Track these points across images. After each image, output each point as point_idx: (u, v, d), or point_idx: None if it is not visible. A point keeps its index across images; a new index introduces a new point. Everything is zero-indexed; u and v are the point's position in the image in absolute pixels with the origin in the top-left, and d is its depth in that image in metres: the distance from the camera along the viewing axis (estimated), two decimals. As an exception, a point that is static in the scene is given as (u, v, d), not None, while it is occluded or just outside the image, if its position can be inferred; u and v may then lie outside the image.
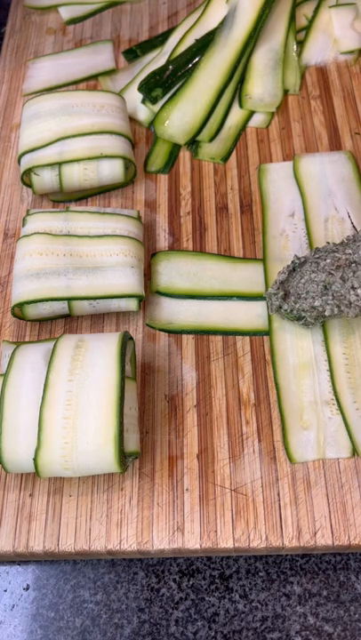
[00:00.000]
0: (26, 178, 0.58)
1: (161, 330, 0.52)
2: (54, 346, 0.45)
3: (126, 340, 0.45)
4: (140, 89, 0.63)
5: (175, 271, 0.54)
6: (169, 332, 0.52)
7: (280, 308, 0.49)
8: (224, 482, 0.45)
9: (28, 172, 0.57)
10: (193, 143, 0.62)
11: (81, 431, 0.41)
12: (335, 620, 0.44)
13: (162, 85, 0.63)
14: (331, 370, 0.48)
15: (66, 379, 0.42)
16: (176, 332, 0.51)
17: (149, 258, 0.56)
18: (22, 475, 0.46)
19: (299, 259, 0.50)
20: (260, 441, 0.46)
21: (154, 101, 0.63)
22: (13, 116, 0.67)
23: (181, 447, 0.47)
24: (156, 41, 0.69)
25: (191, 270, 0.54)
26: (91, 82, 0.68)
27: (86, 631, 0.44)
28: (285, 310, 0.48)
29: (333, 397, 0.47)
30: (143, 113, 0.64)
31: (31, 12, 0.75)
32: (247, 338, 0.51)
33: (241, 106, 0.64)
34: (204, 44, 0.65)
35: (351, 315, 0.47)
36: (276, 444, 0.46)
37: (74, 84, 0.68)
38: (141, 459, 0.46)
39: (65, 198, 0.60)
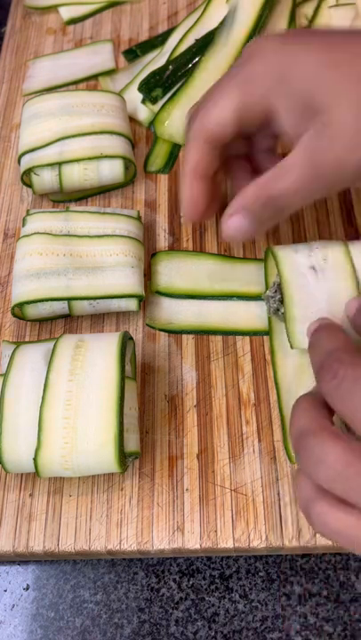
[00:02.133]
0: (26, 178, 0.58)
1: (161, 330, 0.52)
2: (54, 346, 0.45)
3: (126, 340, 0.45)
4: (140, 89, 0.63)
5: (175, 271, 0.54)
6: (169, 331, 0.52)
7: (278, 310, 0.49)
8: (224, 482, 0.45)
9: (28, 171, 0.57)
10: (193, 143, 0.62)
11: (81, 431, 0.41)
12: (335, 619, 0.44)
13: (162, 85, 0.63)
14: (331, 370, 0.48)
15: (66, 379, 0.42)
16: (176, 332, 0.51)
17: (149, 258, 0.56)
18: (22, 475, 0.46)
19: None
20: (260, 441, 0.46)
21: (154, 101, 0.63)
22: (13, 115, 0.67)
23: (181, 447, 0.47)
24: (156, 41, 0.69)
25: (191, 270, 0.54)
26: (91, 82, 0.68)
27: (86, 631, 0.44)
28: (283, 313, 0.48)
29: (333, 397, 0.47)
30: (143, 113, 0.64)
31: (31, 12, 0.75)
32: (247, 338, 0.51)
33: (241, 106, 0.63)
34: (204, 44, 0.65)
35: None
36: (276, 444, 0.46)
37: (74, 84, 0.68)
38: (141, 459, 0.46)
39: (65, 198, 0.60)
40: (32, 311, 0.51)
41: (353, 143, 0.38)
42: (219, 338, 0.51)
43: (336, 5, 0.69)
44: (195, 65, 0.64)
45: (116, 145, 0.57)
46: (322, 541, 0.43)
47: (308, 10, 0.69)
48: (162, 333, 0.52)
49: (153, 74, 0.64)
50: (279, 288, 0.49)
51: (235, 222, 0.44)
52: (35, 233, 0.52)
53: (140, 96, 0.64)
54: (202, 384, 0.49)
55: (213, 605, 0.45)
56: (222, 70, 0.63)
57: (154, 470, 0.46)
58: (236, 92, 0.42)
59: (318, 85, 0.38)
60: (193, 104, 0.47)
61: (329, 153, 0.39)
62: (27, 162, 0.57)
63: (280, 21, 0.67)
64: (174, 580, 0.46)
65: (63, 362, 0.43)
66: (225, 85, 0.44)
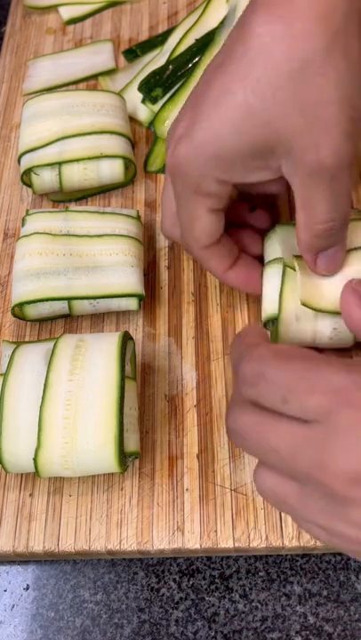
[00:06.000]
0: (26, 178, 0.58)
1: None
2: (54, 346, 0.45)
3: (126, 340, 0.45)
4: (140, 89, 0.63)
5: None
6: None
7: None
8: (224, 482, 0.45)
9: (28, 171, 0.57)
10: (193, 143, 0.62)
11: (81, 431, 0.41)
12: (335, 619, 0.44)
13: (162, 85, 0.63)
14: (331, 370, 0.48)
15: (66, 379, 0.42)
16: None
17: (149, 257, 0.56)
18: (22, 475, 0.46)
19: None
20: (260, 441, 0.46)
21: (154, 101, 0.63)
22: (13, 116, 0.67)
23: (181, 447, 0.47)
24: (156, 41, 0.69)
25: None
26: (91, 82, 0.68)
27: (86, 631, 0.44)
28: None
29: (333, 397, 0.47)
30: (143, 113, 0.64)
31: (31, 12, 0.75)
32: (247, 338, 0.51)
33: (241, 106, 0.63)
34: (204, 44, 0.65)
35: None
36: (276, 444, 0.46)
37: (74, 84, 0.68)
38: (141, 459, 0.46)
39: (65, 198, 0.60)
40: (32, 311, 0.51)
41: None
42: (219, 338, 0.51)
43: (336, 5, 0.69)
44: (195, 65, 0.64)
45: (116, 145, 0.57)
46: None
47: (308, 10, 0.69)
48: (162, 333, 0.52)
49: (153, 74, 0.64)
50: None
51: (325, 262, 0.43)
52: (34, 233, 0.52)
53: (140, 96, 0.64)
54: (202, 384, 0.49)
55: (213, 605, 0.45)
56: (222, 70, 0.63)
57: (154, 470, 0.46)
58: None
59: None
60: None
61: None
62: (27, 162, 0.57)
63: (280, 21, 0.67)
64: (174, 580, 0.46)
65: (63, 362, 0.43)
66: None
